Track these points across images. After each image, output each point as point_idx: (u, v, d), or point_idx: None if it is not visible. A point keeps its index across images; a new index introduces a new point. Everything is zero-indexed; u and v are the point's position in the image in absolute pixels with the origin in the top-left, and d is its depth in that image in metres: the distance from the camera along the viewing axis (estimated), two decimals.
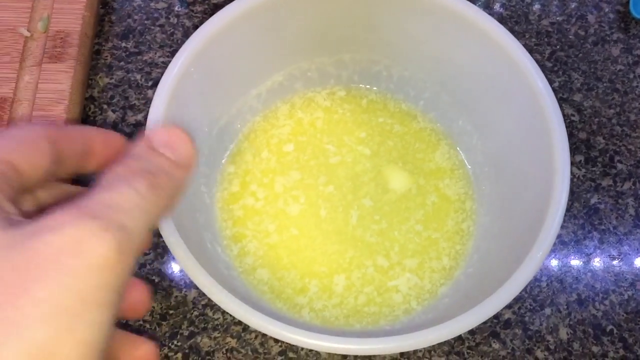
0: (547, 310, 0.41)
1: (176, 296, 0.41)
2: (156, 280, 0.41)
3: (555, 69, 0.48)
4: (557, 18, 0.50)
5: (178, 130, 0.29)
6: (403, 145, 0.44)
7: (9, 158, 0.24)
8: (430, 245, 0.41)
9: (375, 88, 0.46)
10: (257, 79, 0.43)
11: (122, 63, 0.47)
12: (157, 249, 0.42)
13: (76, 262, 0.20)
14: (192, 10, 0.49)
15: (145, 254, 0.41)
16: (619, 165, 0.46)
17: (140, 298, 0.29)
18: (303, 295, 0.40)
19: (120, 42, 0.48)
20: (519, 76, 0.37)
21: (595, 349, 0.41)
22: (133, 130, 0.45)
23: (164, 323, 0.40)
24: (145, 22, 0.49)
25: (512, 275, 0.32)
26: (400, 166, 0.43)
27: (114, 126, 0.45)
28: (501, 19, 0.49)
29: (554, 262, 0.43)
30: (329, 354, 0.40)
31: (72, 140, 0.27)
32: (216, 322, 0.40)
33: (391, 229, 0.41)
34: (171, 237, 0.32)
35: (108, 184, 0.24)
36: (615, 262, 0.43)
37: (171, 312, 0.40)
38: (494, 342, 0.40)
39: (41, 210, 0.28)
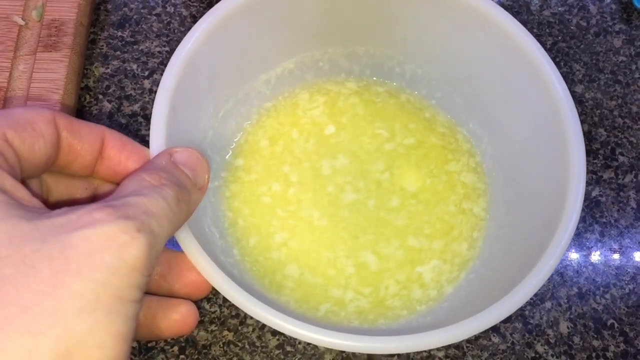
0: (548, 304, 0.41)
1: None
2: None
3: (557, 60, 0.48)
4: (559, 8, 0.50)
5: (198, 154, 0.30)
6: (417, 143, 0.43)
7: (2, 132, 0.23)
8: (434, 251, 0.41)
9: (389, 81, 0.45)
10: (267, 64, 0.42)
11: (118, 52, 0.46)
12: None
13: (113, 259, 0.21)
14: None
15: None
16: (621, 158, 0.45)
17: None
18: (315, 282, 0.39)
19: (116, 32, 0.47)
20: (537, 80, 0.36)
21: (595, 343, 0.40)
22: (129, 120, 0.44)
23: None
24: (142, 11, 0.48)
25: (516, 286, 0.31)
26: (414, 164, 0.43)
27: (110, 116, 0.44)
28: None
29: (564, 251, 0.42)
30: (327, 348, 0.40)
31: (83, 134, 0.27)
32: (213, 315, 0.40)
33: (398, 229, 0.41)
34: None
35: (137, 189, 0.25)
36: (616, 256, 0.43)
37: None
38: (494, 335, 0.40)
39: (56, 202, 0.28)
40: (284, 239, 0.40)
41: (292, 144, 0.42)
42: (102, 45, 0.47)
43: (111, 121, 0.44)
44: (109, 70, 0.46)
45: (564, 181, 0.34)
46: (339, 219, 0.40)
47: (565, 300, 0.41)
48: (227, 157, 0.42)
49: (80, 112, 0.44)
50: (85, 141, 0.28)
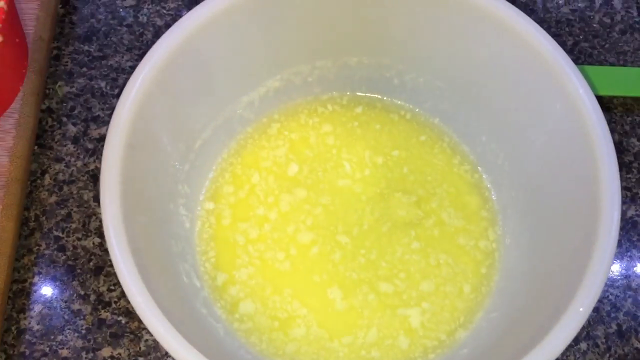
0: (583, 345, 0.35)
1: (146, 340, 0.35)
2: (123, 322, 0.35)
3: (580, 62, 0.42)
4: (579, 5, 0.45)
5: None
6: (414, 165, 0.38)
7: None
8: (444, 283, 0.35)
9: (385, 98, 0.40)
10: (248, 83, 0.37)
11: (84, 69, 0.41)
12: None
13: None
14: (164, 8, 0.43)
15: (110, 290, 0.36)
16: None
17: None
18: (292, 335, 0.34)
19: (82, 46, 0.42)
20: (557, 85, 0.32)
21: None
22: (97, 145, 0.39)
23: None
24: (111, 22, 0.43)
25: (549, 332, 0.26)
26: (408, 190, 0.37)
27: (75, 141, 0.39)
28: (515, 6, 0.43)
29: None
30: None
31: None
32: None
33: (392, 259, 0.36)
34: (127, 277, 0.27)
35: None
36: None
37: (140, 359, 0.34)
38: None
39: None
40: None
41: (255, 187, 0.37)
42: (67, 62, 0.41)
43: (77, 146, 0.39)
44: (74, 89, 0.41)
45: (595, 202, 0.29)
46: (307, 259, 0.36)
47: (603, 340, 0.35)
48: (204, 188, 0.37)
49: (41, 137, 0.39)
50: None
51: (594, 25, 0.44)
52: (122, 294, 0.35)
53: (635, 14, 0.44)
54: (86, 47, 0.42)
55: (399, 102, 0.40)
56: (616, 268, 0.37)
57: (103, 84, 0.41)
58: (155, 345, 0.34)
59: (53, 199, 0.37)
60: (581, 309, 0.27)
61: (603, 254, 0.28)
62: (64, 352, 0.34)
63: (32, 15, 0.40)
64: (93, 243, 0.37)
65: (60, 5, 0.43)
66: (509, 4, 0.33)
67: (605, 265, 0.27)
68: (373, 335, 0.34)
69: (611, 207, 0.29)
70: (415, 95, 0.39)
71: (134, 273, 0.27)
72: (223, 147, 0.38)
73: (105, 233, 0.27)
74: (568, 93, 0.31)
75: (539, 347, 0.26)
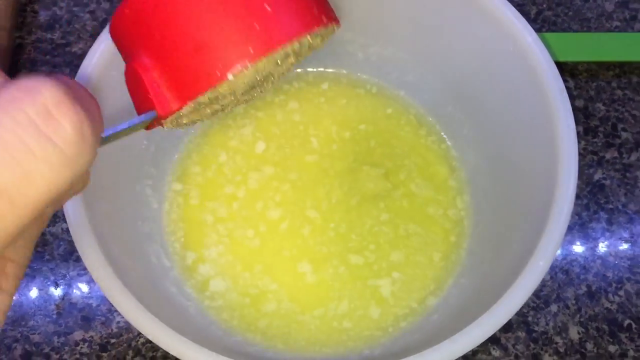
0: (554, 307, 0.35)
1: (118, 322, 0.35)
2: (94, 305, 0.35)
3: (544, 30, 0.43)
4: None
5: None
6: (382, 138, 0.38)
7: None
8: (414, 253, 0.35)
9: (350, 73, 0.40)
10: None
11: (47, 57, 0.41)
12: None
13: None
14: None
15: (80, 275, 0.35)
16: (624, 134, 0.40)
17: None
18: (264, 310, 0.34)
19: (45, 34, 0.42)
20: (516, 51, 0.32)
21: (612, 348, 0.35)
22: None
23: (104, 355, 0.34)
24: (74, 9, 0.43)
25: (510, 287, 0.26)
26: (376, 163, 0.37)
27: None
28: None
29: (558, 251, 0.37)
30: None
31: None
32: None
33: (363, 230, 0.36)
34: (89, 257, 0.27)
35: None
36: (627, 246, 0.37)
37: (113, 341, 0.34)
38: (494, 348, 0.35)
39: None
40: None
41: (223, 166, 0.37)
42: (30, 50, 0.41)
43: None
44: None
45: (553, 165, 0.29)
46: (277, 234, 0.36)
47: (574, 302, 0.36)
48: (171, 168, 0.37)
49: None
50: None
51: None
52: (91, 279, 0.35)
53: None
54: (49, 35, 0.42)
55: (365, 76, 0.40)
56: (585, 231, 0.37)
57: (67, 71, 0.41)
58: (128, 327, 0.34)
59: None
60: (541, 263, 0.27)
61: (560, 213, 0.28)
62: (35, 338, 0.34)
63: None
64: (62, 229, 0.37)
65: None
66: None
67: (562, 223, 0.28)
68: (344, 307, 0.34)
69: (568, 170, 0.29)
70: (380, 69, 0.39)
71: (99, 255, 0.27)
72: (189, 127, 0.38)
73: (67, 218, 0.27)
74: (526, 57, 0.31)
75: (500, 302, 0.26)
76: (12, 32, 0.41)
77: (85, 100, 0.18)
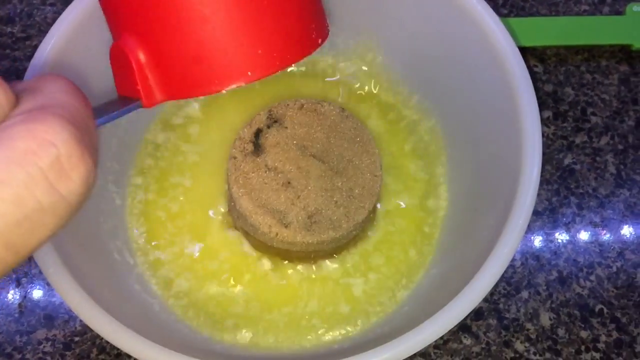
0: (524, 294, 0.35)
1: (81, 320, 0.34)
2: (57, 303, 0.34)
3: (512, 15, 0.42)
4: None
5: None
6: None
7: None
8: (391, 249, 0.35)
9: (317, 56, 0.39)
10: None
11: (7, 51, 0.40)
12: None
13: None
14: None
15: (42, 272, 0.35)
16: (593, 118, 0.40)
17: None
18: (230, 308, 0.33)
19: (4, 27, 0.41)
20: (479, 36, 0.31)
21: (584, 333, 0.34)
22: None
23: (68, 353, 0.33)
24: (33, 1, 0.42)
25: (474, 275, 0.26)
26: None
27: None
28: None
29: (528, 236, 0.37)
30: None
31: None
32: None
33: None
34: (42, 257, 0.26)
35: None
36: (598, 230, 0.37)
37: (77, 339, 0.33)
38: (465, 337, 0.34)
39: None
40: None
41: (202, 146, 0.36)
42: None
43: None
44: None
45: (517, 153, 0.29)
46: None
47: (545, 288, 0.35)
48: (133, 163, 0.36)
49: None
50: None
51: None
52: None
53: None
54: (9, 29, 0.41)
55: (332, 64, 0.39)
56: (555, 216, 0.37)
57: (28, 65, 0.40)
58: None
59: None
60: (505, 250, 0.26)
61: (524, 199, 0.28)
62: None
63: None
64: None
65: None
66: None
67: (526, 210, 0.27)
68: (313, 305, 0.34)
69: (532, 158, 0.28)
70: (345, 53, 0.38)
71: (51, 253, 0.26)
72: (150, 120, 0.37)
73: None
74: (489, 42, 0.31)
75: (466, 289, 0.26)
76: None
77: (90, 125, 0.19)
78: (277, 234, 0.31)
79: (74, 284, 0.25)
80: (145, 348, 0.25)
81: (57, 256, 0.26)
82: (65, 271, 0.26)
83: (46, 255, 0.26)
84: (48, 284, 0.34)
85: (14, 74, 0.40)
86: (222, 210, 0.35)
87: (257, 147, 0.33)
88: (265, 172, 0.32)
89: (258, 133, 0.33)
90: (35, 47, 0.40)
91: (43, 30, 0.41)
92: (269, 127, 0.34)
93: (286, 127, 0.34)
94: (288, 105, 0.34)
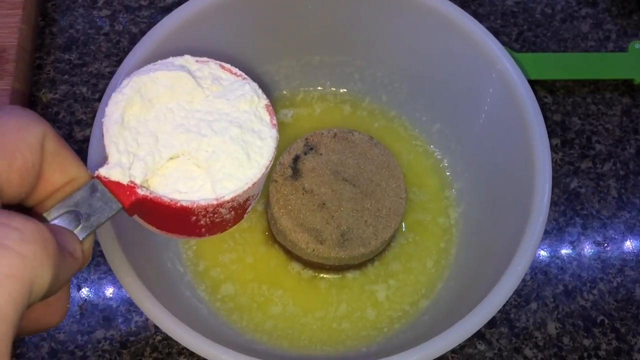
0: (533, 305, 0.39)
1: (136, 321, 0.38)
2: (114, 305, 0.38)
3: (524, 50, 0.46)
4: None
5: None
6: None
7: None
8: (410, 261, 0.39)
9: (348, 90, 0.43)
10: None
11: (66, 76, 0.44)
12: None
13: None
14: (138, 16, 0.47)
15: (101, 279, 0.39)
16: (597, 146, 0.43)
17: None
18: (270, 312, 0.37)
19: (63, 55, 0.45)
20: (491, 70, 0.35)
21: (586, 342, 0.38)
22: (81, 146, 0.42)
23: (124, 352, 0.37)
24: (89, 31, 0.46)
25: (492, 289, 0.29)
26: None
27: None
28: (464, 2, 0.47)
29: (537, 253, 0.40)
30: None
31: (66, 166, 0.23)
32: (181, 346, 0.37)
33: None
34: (118, 266, 0.30)
35: None
36: (601, 248, 0.41)
37: (132, 338, 0.37)
38: (479, 343, 0.38)
39: None
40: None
41: None
42: (49, 70, 0.44)
43: None
44: (57, 95, 0.44)
45: (529, 179, 0.33)
46: None
47: (552, 300, 0.39)
48: None
49: None
50: (64, 173, 0.23)
51: (537, 15, 0.48)
52: (111, 282, 0.39)
53: (574, 3, 0.48)
54: (67, 56, 0.45)
55: (360, 95, 0.43)
56: (562, 235, 0.41)
57: (84, 89, 0.44)
58: (145, 325, 0.38)
59: None
60: (519, 268, 0.30)
61: (535, 222, 0.31)
62: (61, 337, 0.37)
63: (15, 28, 0.43)
64: None
65: (40, 18, 0.46)
66: (450, 2, 0.36)
67: (537, 233, 0.31)
68: (343, 310, 0.37)
69: (542, 183, 0.32)
70: (374, 89, 0.42)
71: (124, 261, 0.30)
72: None
73: (97, 233, 0.30)
74: (502, 78, 0.35)
75: (483, 302, 0.30)
76: (32, 53, 0.44)
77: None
78: (314, 250, 0.35)
79: (147, 292, 0.29)
80: (210, 348, 0.28)
81: (129, 266, 0.30)
82: (137, 279, 0.29)
83: (120, 265, 0.30)
84: (107, 288, 0.38)
85: (72, 97, 0.44)
86: (263, 226, 0.39)
87: (296, 171, 0.37)
88: (303, 194, 0.36)
89: (296, 159, 0.37)
90: (91, 72, 0.44)
91: (98, 58, 0.45)
92: (305, 153, 0.38)
93: (321, 154, 0.38)
94: (322, 134, 0.38)
